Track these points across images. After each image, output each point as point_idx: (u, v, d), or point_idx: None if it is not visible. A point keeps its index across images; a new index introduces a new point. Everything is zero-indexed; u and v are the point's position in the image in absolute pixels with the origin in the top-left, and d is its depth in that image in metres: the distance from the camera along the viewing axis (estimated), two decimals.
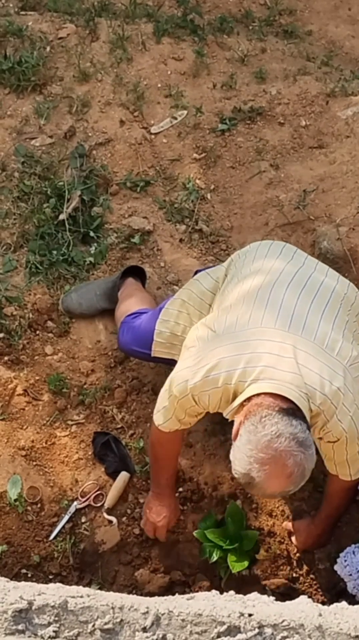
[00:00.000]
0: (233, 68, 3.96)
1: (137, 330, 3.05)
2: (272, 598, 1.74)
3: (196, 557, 3.00)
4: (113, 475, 3.10)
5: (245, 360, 2.37)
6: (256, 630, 1.65)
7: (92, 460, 3.14)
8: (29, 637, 1.64)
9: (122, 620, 1.65)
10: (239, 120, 3.80)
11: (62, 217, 3.53)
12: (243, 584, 2.92)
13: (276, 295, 2.53)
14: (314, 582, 2.99)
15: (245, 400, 2.33)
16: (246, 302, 2.55)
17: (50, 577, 2.97)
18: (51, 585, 1.73)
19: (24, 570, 2.97)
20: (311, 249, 3.42)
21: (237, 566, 2.86)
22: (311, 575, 3.00)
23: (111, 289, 3.32)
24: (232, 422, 2.38)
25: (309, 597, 1.78)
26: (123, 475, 3.09)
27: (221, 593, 1.76)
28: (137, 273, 3.36)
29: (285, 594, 2.92)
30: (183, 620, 1.65)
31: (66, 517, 3.04)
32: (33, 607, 1.66)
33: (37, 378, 3.25)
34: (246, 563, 2.89)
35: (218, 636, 1.64)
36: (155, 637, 1.64)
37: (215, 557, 2.89)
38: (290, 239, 3.48)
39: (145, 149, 3.74)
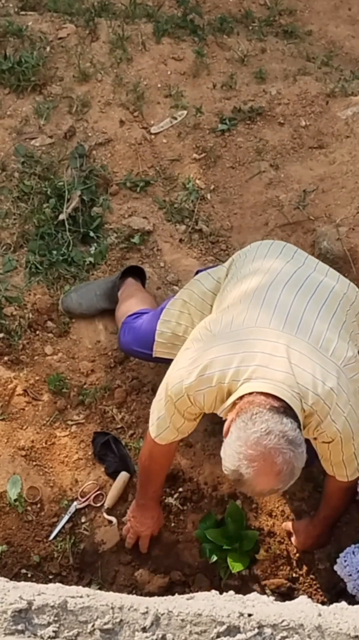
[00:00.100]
0: (233, 68, 3.97)
1: (138, 331, 3.05)
2: (272, 598, 1.74)
3: (196, 557, 3.00)
4: (113, 475, 3.10)
5: (239, 359, 2.38)
6: (256, 630, 1.65)
7: (92, 460, 3.14)
8: (29, 637, 1.64)
9: (121, 620, 1.65)
10: (239, 120, 3.80)
11: (62, 217, 3.53)
12: (243, 584, 2.92)
13: (272, 294, 2.54)
14: (314, 582, 2.99)
15: (237, 399, 2.34)
16: (243, 301, 2.56)
17: (50, 577, 2.97)
18: (51, 585, 1.73)
19: (23, 570, 2.97)
20: (311, 249, 3.42)
21: (237, 566, 2.86)
22: (311, 576, 3.00)
23: (111, 289, 3.32)
24: None
25: (309, 597, 1.78)
26: (123, 475, 3.09)
27: (221, 593, 1.76)
28: (137, 273, 3.36)
29: (285, 594, 2.92)
30: (182, 620, 1.65)
31: (66, 517, 3.04)
32: (33, 607, 1.66)
33: (37, 378, 3.25)
34: (246, 563, 2.89)
35: (218, 636, 1.64)
36: (154, 637, 1.64)
37: (214, 557, 2.89)
38: (290, 239, 3.48)
39: (145, 149, 3.74)
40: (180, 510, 3.06)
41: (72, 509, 3.05)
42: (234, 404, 2.35)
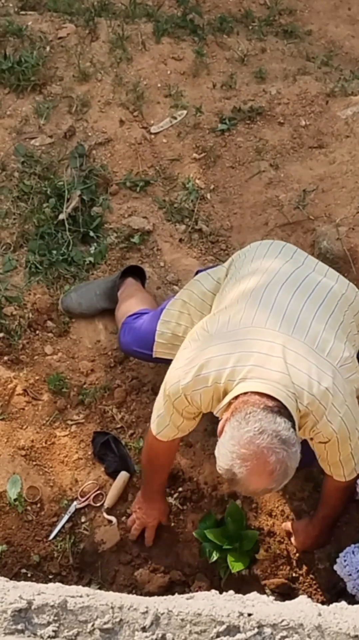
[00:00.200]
0: (233, 68, 3.96)
1: (138, 331, 3.05)
2: (271, 598, 1.74)
3: (196, 557, 3.00)
4: (113, 475, 3.10)
5: (234, 359, 2.38)
6: (256, 630, 1.64)
7: (92, 460, 3.14)
8: (29, 636, 1.64)
9: (121, 620, 1.65)
10: (239, 120, 3.80)
11: (61, 217, 3.53)
12: (243, 584, 2.92)
13: (270, 294, 2.54)
14: (314, 582, 2.99)
15: (232, 399, 2.34)
16: (240, 301, 2.56)
17: (50, 576, 2.97)
18: (50, 585, 1.73)
19: (23, 570, 2.97)
20: (311, 249, 3.42)
21: (237, 566, 2.86)
22: (311, 575, 3.00)
23: (111, 289, 3.32)
24: None
25: (308, 597, 1.78)
26: (123, 475, 3.09)
27: (220, 593, 1.76)
28: (137, 273, 3.36)
29: (285, 593, 2.92)
30: (182, 620, 1.65)
31: (66, 517, 3.04)
32: (32, 607, 1.66)
33: (36, 378, 3.25)
34: (246, 563, 2.89)
35: (218, 636, 1.64)
36: (154, 636, 1.64)
37: (214, 557, 2.88)
38: (290, 239, 3.48)
39: (145, 148, 3.74)
40: (180, 510, 3.06)
41: (71, 509, 3.05)
42: (229, 403, 2.35)
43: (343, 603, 1.75)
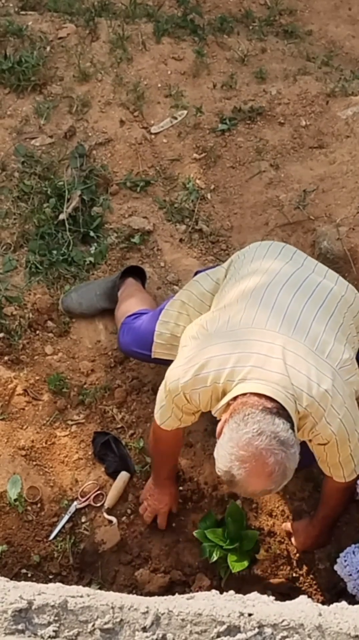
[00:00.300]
0: (233, 68, 3.96)
1: (137, 331, 3.05)
2: (272, 598, 1.74)
3: (196, 557, 3.00)
4: (113, 475, 3.10)
5: (234, 359, 2.38)
6: (256, 630, 1.64)
7: (92, 460, 3.14)
8: (29, 636, 1.63)
9: (121, 620, 1.65)
10: (239, 120, 3.80)
11: (62, 217, 3.53)
12: (243, 584, 2.92)
13: (270, 295, 2.54)
14: (314, 582, 2.99)
15: (231, 400, 2.34)
16: (240, 301, 2.56)
17: (50, 577, 2.97)
18: (51, 585, 1.73)
19: (23, 570, 2.97)
20: (311, 249, 3.42)
21: (237, 566, 2.86)
22: (311, 575, 3.00)
23: (111, 289, 3.32)
24: None
25: (309, 597, 1.78)
26: (123, 475, 3.09)
27: (221, 593, 1.76)
28: (137, 273, 3.36)
29: (285, 593, 2.92)
30: (183, 620, 1.65)
31: (66, 517, 3.04)
32: (33, 607, 1.66)
33: (37, 378, 3.25)
34: (246, 563, 2.89)
35: (218, 636, 1.64)
36: (154, 636, 1.64)
37: (215, 557, 2.88)
38: (290, 239, 3.48)
39: (145, 149, 3.74)
40: (180, 510, 3.06)
41: (72, 509, 3.05)
42: (228, 404, 2.35)
43: (344, 603, 1.75)
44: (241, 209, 3.63)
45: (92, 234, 3.53)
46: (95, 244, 3.52)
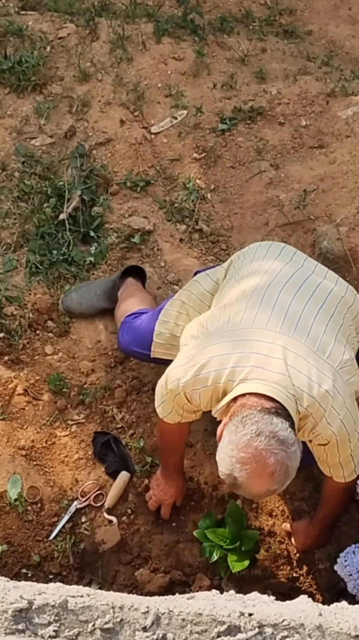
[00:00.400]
0: (233, 68, 3.96)
1: (137, 331, 3.05)
2: (272, 598, 1.74)
3: (197, 557, 3.00)
4: (113, 475, 3.10)
5: (235, 359, 2.38)
6: (257, 630, 1.64)
7: (92, 460, 3.14)
8: (29, 636, 1.63)
9: (122, 619, 1.65)
10: (239, 120, 3.80)
11: (62, 216, 3.53)
12: (243, 584, 2.92)
13: (271, 296, 2.54)
14: (314, 582, 2.99)
15: (231, 401, 2.34)
16: (241, 301, 2.56)
17: (50, 576, 2.97)
18: (51, 584, 1.73)
19: (24, 570, 2.97)
20: (312, 249, 3.42)
21: (237, 566, 2.86)
22: (311, 575, 3.00)
23: (111, 289, 3.32)
24: None
25: (309, 596, 1.78)
26: (124, 475, 3.09)
27: (221, 593, 1.76)
28: (137, 273, 3.36)
29: (285, 593, 2.92)
30: (183, 619, 1.65)
31: (66, 517, 3.04)
32: (33, 607, 1.66)
33: (37, 378, 3.25)
34: (246, 563, 2.89)
35: (218, 636, 1.64)
36: (155, 636, 1.64)
37: (215, 557, 2.88)
38: (290, 239, 3.48)
39: (145, 148, 3.74)
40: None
41: (72, 509, 3.05)
42: (228, 406, 2.35)
43: (344, 603, 1.75)
44: (242, 208, 3.63)
45: (92, 233, 3.53)
46: (95, 244, 3.52)
